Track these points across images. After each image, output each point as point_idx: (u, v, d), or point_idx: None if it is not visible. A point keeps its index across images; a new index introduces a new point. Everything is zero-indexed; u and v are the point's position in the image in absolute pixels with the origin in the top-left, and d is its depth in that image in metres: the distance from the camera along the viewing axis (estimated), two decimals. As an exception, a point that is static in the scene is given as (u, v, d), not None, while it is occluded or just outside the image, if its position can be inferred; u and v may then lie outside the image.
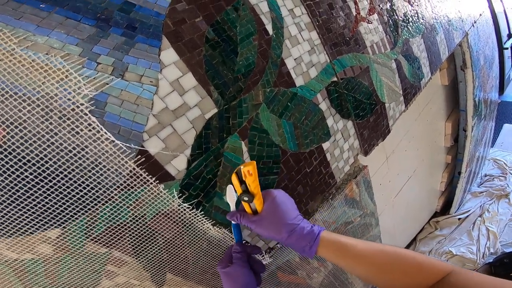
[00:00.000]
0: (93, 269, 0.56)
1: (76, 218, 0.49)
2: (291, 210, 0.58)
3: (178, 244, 0.60)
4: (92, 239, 0.52)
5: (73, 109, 0.43)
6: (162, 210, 0.55)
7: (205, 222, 0.59)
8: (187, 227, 0.59)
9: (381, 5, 0.96)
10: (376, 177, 1.20)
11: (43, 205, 0.46)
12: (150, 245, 0.57)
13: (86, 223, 0.50)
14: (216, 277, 0.71)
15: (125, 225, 0.53)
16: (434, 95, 1.56)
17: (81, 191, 0.47)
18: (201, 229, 0.60)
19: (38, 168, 0.44)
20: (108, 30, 0.48)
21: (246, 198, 0.55)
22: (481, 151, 2.19)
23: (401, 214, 1.66)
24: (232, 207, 0.59)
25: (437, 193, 2.17)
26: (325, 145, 0.78)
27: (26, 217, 0.46)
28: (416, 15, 1.11)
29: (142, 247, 0.57)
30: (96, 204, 0.49)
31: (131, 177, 0.49)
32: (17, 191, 0.44)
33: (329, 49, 0.77)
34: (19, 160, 0.43)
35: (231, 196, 0.58)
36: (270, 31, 0.65)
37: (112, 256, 0.56)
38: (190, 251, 0.63)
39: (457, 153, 1.89)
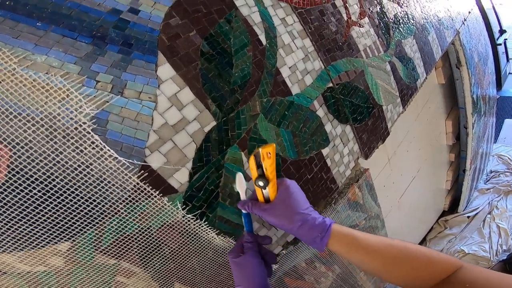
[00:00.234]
0: (103, 280, 0.57)
1: (85, 232, 0.50)
2: (303, 200, 0.58)
3: (185, 254, 0.61)
4: (101, 251, 0.53)
5: (76, 128, 0.45)
6: (167, 221, 0.56)
7: (209, 231, 0.60)
8: (192, 237, 0.60)
9: (371, 8, 0.98)
10: (379, 179, 1.21)
11: (53, 220, 0.47)
12: (157, 255, 0.59)
13: (95, 236, 0.51)
14: (223, 286, 0.71)
15: (132, 237, 0.54)
16: (431, 94, 1.57)
17: (88, 206, 0.49)
18: (206, 239, 0.61)
19: (46, 185, 0.45)
20: (105, 48, 0.49)
21: (261, 183, 0.54)
22: (484, 147, 2.19)
23: (408, 215, 1.66)
24: (242, 196, 0.59)
25: (444, 191, 2.16)
26: (325, 151, 0.79)
27: (37, 231, 0.47)
28: (406, 16, 1.13)
29: (149, 257, 0.58)
30: (103, 218, 0.51)
31: (136, 191, 0.51)
32: (27, 207, 0.46)
33: (323, 56, 0.79)
34: (27, 179, 0.44)
35: (241, 184, 0.58)
36: (264, 41, 0.66)
37: (121, 267, 0.57)
38: (197, 260, 0.63)
39: (460, 151, 1.89)
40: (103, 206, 0.50)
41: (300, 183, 0.73)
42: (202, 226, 0.59)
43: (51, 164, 0.45)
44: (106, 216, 0.51)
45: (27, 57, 0.44)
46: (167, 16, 0.54)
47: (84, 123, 0.45)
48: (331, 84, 0.80)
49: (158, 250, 0.58)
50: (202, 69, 0.56)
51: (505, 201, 2.26)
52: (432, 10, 1.30)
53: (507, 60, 3.56)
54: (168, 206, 0.54)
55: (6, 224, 0.46)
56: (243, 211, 0.60)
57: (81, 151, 0.46)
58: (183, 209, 0.55)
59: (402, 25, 1.10)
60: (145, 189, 0.51)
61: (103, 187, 0.49)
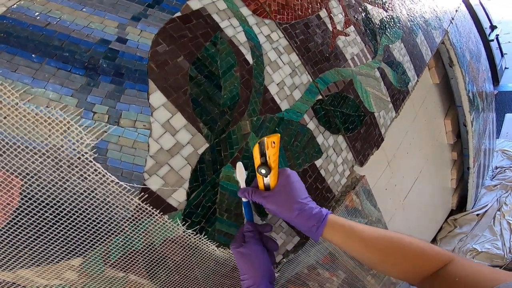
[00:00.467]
0: (114, 291, 0.61)
1: (94, 248, 0.55)
2: (303, 190, 0.60)
3: (188, 266, 0.65)
4: (110, 265, 0.57)
5: (79, 158, 0.49)
6: (169, 237, 0.60)
7: (209, 244, 0.64)
8: (194, 250, 0.63)
9: (356, 16, 0.98)
10: (380, 183, 1.22)
11: (65, 238, 0.52)
12: (162, 268, 0.62)
13: (103, 252, 0.56)
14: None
15: (137, 251, 0.58)
16: (427, 94, 1.58)
17: (95, 225, 0.53)
18: (207, 251, 0.65)
19: (56, 209, 0.50)
20: (98, 79, 0.52)
21: (263, 171, 0.57)
22: (487, 143, 2.18)
23: (414, 216, 1.65)
24: (242, 185, 0.61)
25: (450, 190, 2.15)
26: (318, 162, 0.80)
27: (52, 248, 0.52)
28: (392, 20, 1.13)
29: (155, 270, 0.62)
30: (110, 236, 0.55)
31: (138, 211, 0.55)
32: (41, 228, 0.50)
33: (310, 69, 0.80)
34: (39, 204, 0.49)
35: (241, 173, 0.61)
36: (250, 60, 0.68)
37: (130, 280, 0.61)
38: (199, 271, 0.67)
39: (462, 149, 1.89)
40: (109, 225, 0.54)
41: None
42: (202, 240, 0.62)
43: (59, 190, 0.49)
44: (112, 234, 0.55)
45: (27, 91, 0.47)
46: (154, 43, 0.56)
47: (86, 153, 0.50)
48: (320, 97, 0.81)
49: (163, 263, 0.62)
50: (192, 94, 0.59)
51: (513, 197, 2.24)
52: (418, 12, 1.29)
53: (502, 55, 3.55)
54: (169, 223, 0.58)
55: (24, 243, 0.50)
56: (243, 200, 0.62)
57: (85, 178, 0.50)
58: (183, 225, 0.59)
59: (388, 29, 1.10)
60: (146, 208, 0.55)
61: (107, 209, 0.53)
